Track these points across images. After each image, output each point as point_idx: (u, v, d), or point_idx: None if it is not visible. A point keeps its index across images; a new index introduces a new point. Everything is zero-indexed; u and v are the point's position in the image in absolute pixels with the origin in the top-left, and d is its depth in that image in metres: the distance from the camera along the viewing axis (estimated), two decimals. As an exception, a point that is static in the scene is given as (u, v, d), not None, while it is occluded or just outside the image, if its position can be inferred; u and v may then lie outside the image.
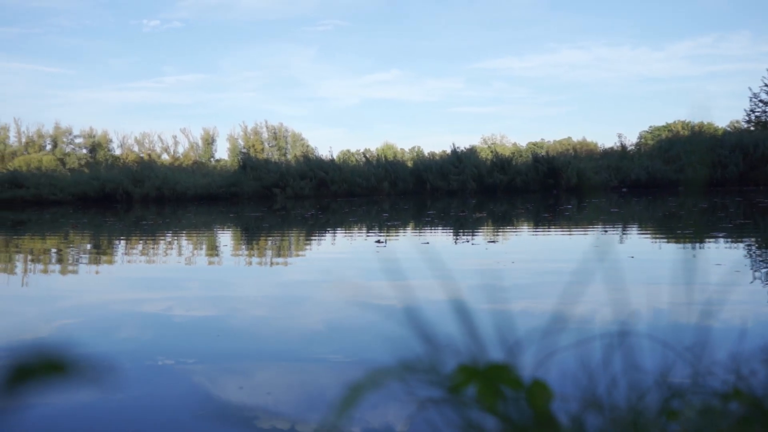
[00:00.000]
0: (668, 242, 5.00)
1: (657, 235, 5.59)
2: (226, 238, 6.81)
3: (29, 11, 52.10)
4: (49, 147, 35.30)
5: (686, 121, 34.27)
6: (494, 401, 0.38)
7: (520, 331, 0.47)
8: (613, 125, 66.05)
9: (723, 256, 3.76)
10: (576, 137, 36.93)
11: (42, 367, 0.23)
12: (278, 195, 18.64)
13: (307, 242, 6.06)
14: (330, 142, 41.93)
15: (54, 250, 5.80)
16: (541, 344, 0.51)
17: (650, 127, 36.58)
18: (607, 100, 59.33)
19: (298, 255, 4.99)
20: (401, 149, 41.00)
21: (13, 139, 35.00)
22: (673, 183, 17.33)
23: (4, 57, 52.64)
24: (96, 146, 36.10)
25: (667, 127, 34.51)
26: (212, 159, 34.57)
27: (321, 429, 0.36)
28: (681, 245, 4.66)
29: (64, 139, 35.87)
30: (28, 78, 52.63)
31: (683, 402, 0.52)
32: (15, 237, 7.55)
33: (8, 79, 52.13)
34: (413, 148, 43.11)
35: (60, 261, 4.90)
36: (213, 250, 5.51)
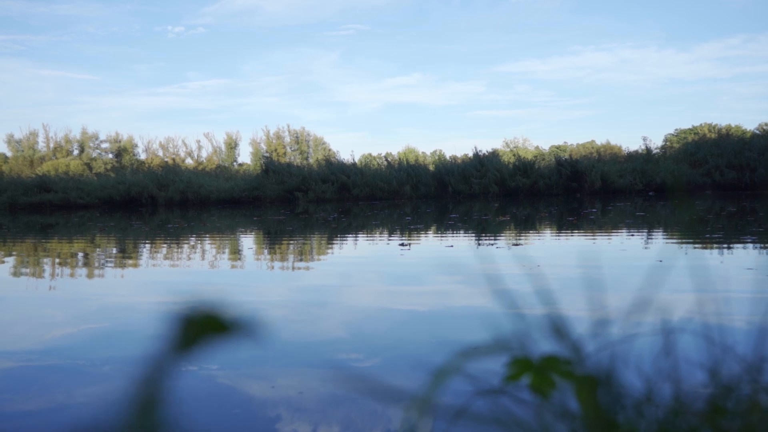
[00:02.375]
0: (697, 246, 4.92)
1: (685, 240, 5.50)
2: (251, 242, 6.87)
3: (58, 19, 53.20)
4: (76, 152, 35.93)
5: (713, 124, 33.73)
6: (547, 392, 0.38)
7: (566, 328, 0.47)
8: (638, 128, 65.14)
9: (754, 261, 3.69)
10: (600, 140, 36.50)
11: (210, 325, 0.24)
12: (300, 198, 18.74)
13: (333, 245, 6.08)
14: (352, 146, 42.07)
15: (84, 254, 5.90)
16: (590, 339, 0.51)
17: (676, 130, 36.04)
18: (631, 102, 58.59)
19: (323, 258, 5.01)
20: (423, 153, 40.96)
21: (41, 145, 35.70)
22: (700, 187, 17.05)
23: (34, 64, 53.81)
24: (122, 151, 36.65)
25: (693, 130, 33.98)
26: (235, 163, 34.88)
27: (416, 399, 0.36)
28: (710, 249, 4.58)
29: (91, 144, 36.47)
30: (57, 84, 53.72)
31: (732, 398, 0.51)
32: (45, 240, 7.70)
33: (38, 85, 53.29)
34: (435, 151, 43.03)
35: (90, 264, 4.98)
36: (239, 253, 5.56)
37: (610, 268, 3.65)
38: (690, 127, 35.56)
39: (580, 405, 0.44)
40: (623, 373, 0.50)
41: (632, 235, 5.75)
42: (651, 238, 5.51)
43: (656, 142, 29.58)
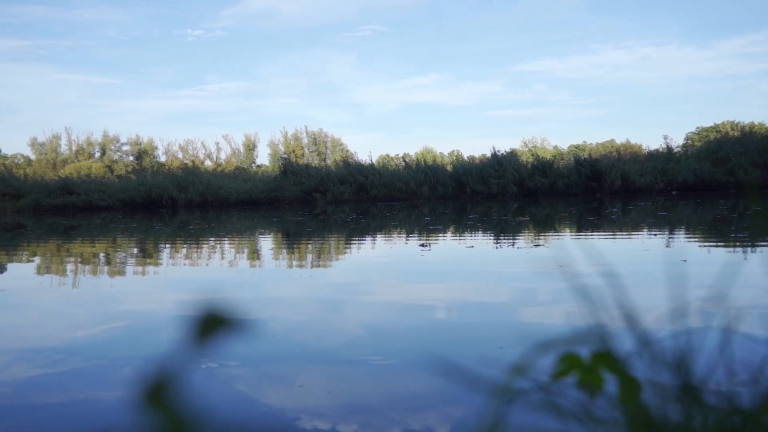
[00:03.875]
0: (721, 246, 4.85)
1: (709, 239, 5.43)
2: (273, 242, 6.91)
3: (80, 24, 53.95)
4: (97, 154, 36.42)
5: (736, 122, 33.21)
6: (595, 389, 0.38)
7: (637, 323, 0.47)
8: (659, 127, 64.29)
9: (781, 260, 3.63)
10: (619, 139, 36.11)
11: (216, 321, 0.26)
12: (318, 199, 18.81)
13: (352, 246, 6.10)
14: (369, 146, 42.06)
15: (109, 255, 5.98)
16: (631, 337, 0.51)
17: (697, 128, 35.55)
18: (651, 101, 57.87)
19: (345, 259, 5.03)
20: (440, 153, 40.88)
21: (64, 148, 36.25)
22: (723, 185, 16.80)
23: (57, 69, 54.64)
24: (142, 153, 37.08)
25: (715, 128, 33.49)
26: (254, 165, 35.09)
27: (500, 386, 0.37)
28: (735, 249, 4.51)
29: (112, 147, 36.95)
30: (79, 88, 54.49)
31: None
32: (69, 242, 7.82)
33: (60, 89, 54.09)
34: (452, 152, 42.92)
35: (114, 265, 5.05)
36: (261, 253, 5.60)
37: (638, 267, 3.62)
38: (712, 125, 35.04)
39: (622, 403, 0.44)
40: (666, 371, 0.50)
41: (654, 235, 5.69)
42: (676, 237, 5.44)
43: (677, 141, 29.21)
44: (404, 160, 22.79)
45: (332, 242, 6.57)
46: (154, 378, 0.25)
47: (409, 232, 7.30)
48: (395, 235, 7.02)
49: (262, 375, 1.83)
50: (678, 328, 0.53)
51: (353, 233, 7.58)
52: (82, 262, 5.22)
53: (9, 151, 44.20)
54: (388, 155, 37.65)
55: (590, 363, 0.38)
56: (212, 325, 0.24)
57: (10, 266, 5.15)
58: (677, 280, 2.74)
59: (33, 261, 5.49)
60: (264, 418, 1.49)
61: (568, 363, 0.38)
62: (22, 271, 4.76)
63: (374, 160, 22.36)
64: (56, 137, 36.16)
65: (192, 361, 0.24)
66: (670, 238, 5.45)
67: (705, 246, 4.80)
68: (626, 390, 0.44)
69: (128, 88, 54.86)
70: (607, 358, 0.39)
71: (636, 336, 0.44)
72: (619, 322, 0.50)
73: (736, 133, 21.65)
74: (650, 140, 70.59)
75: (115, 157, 36.76)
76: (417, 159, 22.97)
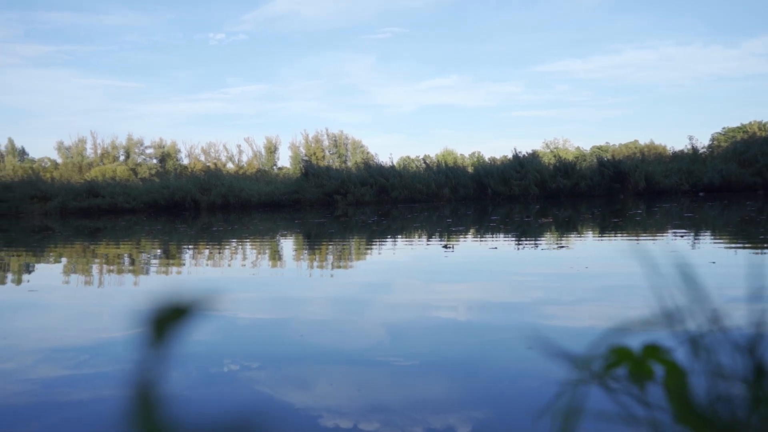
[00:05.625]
0: (750, 248, 4.76)
1: (737, 241, 5.34)
2: (295, 244, 6.96)
3: (104, 30, 54.93)
4: (122, 158, 37.01)
5: (763, 122, 32.60)
6: (645, 382, 0.38)
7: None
8: (683, 127, 63.35)
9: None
10: (643, 140, 35.67)
11: (173, 313, 0.25)
12: (339, 201, 18.87)
13: (376, 248, 6.11)
14: (390, 148, 42.10)
15: (139, 256, 6.07)
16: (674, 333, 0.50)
17: (723, 128, 34.95)
18: (676, 101, 57.08)
19: (367, 260, 5.04)
20: (461, 155, 40.76)
21: (89, 151, 36.91)
22: (750, 187, 16.50)
23: (82, 74, 55.66)
24: (165, 156, 37.58)
25: (742, 128, 32.89)
26: (275, 167, 35.35)
27: (581, 358, 0.37)
28: (764, 251, 4.43)
29: (136, 150, 37.52)
30: (104, 92, 55.44)
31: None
32: (95, 244, 7.95)
33: (86, 93, 55.11)
34: (473, 153, 42.77)
35: (141, 266, 5.12)
36: (284, 255, 5.63)
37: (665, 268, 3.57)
38: (739, 125, 34.43)
39: (668, 395, 0.44)
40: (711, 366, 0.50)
41: (681, 236, 5.60)
42: (703, 239, 5.36)
43: (703, 142, 28.73)
44: (425, 162, 22.77)
45: (355, 244, 6.59)
46: (135, 393, 0.25)
47: (432, 234, 7.29)
48: (418, 237, 7.01)
49: (283, 375, 1.84)
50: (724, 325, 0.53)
51: (375, 235, 7.59)
52: (107, 264, 5.30)
53: (36, 155, 45.14)
54: (408, 157, 37.63)
55: (641, 354, 0.38)
56: (168, 319, 0.24)
57: (39, 267, 5.26)
58: (709, 282, 2.70)
59: (61, 262, 5.59)
60: (286, 417, 1.50)
61: (619, 355, 0.38)
62: (51, 272, 4.85)
63: (395, 162, 22.41)
64: (82, 141, 36.83)
65: (158, 361, 0.24)
66: (695, 239, 5.37)
67: (733, 248, 4.72)
68: (671, 379, 0.44)
69: (151, 91, 55.68)
70: (660, 349, 0.39)
71: (694, 327, 0.43)
72: (665, 319, 0.49)
73: (763, 133, 21.25)
74: (675, 141, 69.68)
75: (139, 160, 37.31)
76: (438, 160, 22.94)
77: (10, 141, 40.30)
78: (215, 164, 33.32)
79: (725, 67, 56.57)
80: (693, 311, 0.41)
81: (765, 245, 4.72)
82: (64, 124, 56.55)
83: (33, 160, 39.66)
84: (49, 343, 2.40)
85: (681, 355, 0.45)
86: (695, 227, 6.71)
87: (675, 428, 0.41)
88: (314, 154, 34.16)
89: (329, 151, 35.37)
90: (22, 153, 40.92)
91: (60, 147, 37.27)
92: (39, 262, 5.73)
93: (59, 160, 37.33)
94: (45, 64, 53.82)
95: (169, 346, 0.24)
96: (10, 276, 4.73)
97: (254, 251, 6.05)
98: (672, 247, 4.74)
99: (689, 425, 0.43)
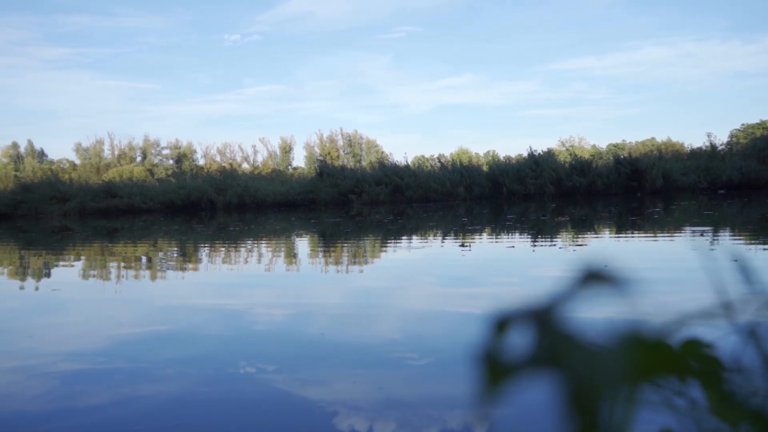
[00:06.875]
0: (772, 245, 4.69)
1: (759, 239, 5.26)
2: (312, 244, 6.97)
3: (121, 32, 55.46)
4: (139, 159, 37.37)
5: (783, 118, 32.07)
6: (683, 377, 0.37)
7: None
8: (701, 124, 62.53)
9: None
10: (660, 138, 35.29)
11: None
12: (354, 201, 18.89)
13: (391, 247, 6.11)
14: (404, 147, 41.92)
15: (155, 256, 6.12)
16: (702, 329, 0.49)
17: (743, 125, 34.48)
18: (694, 97, 56.37)
19: (384, 259, 5.04)
20: (476, 154, 40.61)
21: (107, 152, 37.32)
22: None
23: (100, 75, 56.27)
24: (181, 157, 37.88)
25: (761, 125, 32.41)
26: (290, 167, 35.49)
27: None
28: (787, 248, 4.36)
29: (153, 151, 37.86)
30: (121, 94, 55.99)
31: None
32: (113, 244, 8.03)
33: (103, 95, 55.68)
34: (488, 152, 42.60)
35: (159, 266, 5.16)
36: (301, 254, 5.65)
37: (688, 264, 3.53)
38: (758, 121, 33.92)
39: (703, 390, 0.43)
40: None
41: (701, 234, 5.54)
42: (724, 236, 5.29)
43: (721, 138, 28.37)
44: (439, 161, 22.72)
45: (371, 243, 6.59)
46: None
47: (448, 233, 7.27)
48: (433, 236, 7.00)
49: (304, 374, 1.85)
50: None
51: (391, 234, 7.58)
52: (125, 264, 5.35)
53: (55, 156, 45.69)
54: (423, 156, 37.56)
55: (681, 350, 0.38)
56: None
57: (59, 267, 5.32)
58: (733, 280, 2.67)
59: (80, 262, 5.66)
60: (303, 414, 1.51)
61: (658, 351, 0.37)
62: (71, 272, 4.91)
63: (409, 161, 22.35)
64: (99, 142, 37.24)
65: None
66: (715, 237, 5.30)
67: (755, 246, 4.65)
68: (705, 374, 0.43)
69: (168, 93, 56.12)
70: (699, 344, 0.38)
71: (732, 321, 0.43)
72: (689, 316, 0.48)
73: (783, 130, 20.92)
74: (692, 138, 68.87)
75: (156, 160, 37.65)
76: (452, 159, 22.87)
77: (30, 143, 40.89)
78: (231, 164, 33.51)
79: (744, 62, 55.76)
80: (741, 304, 0.40)
81: (787, 243, 4.65)
82: (82, 126, 57.26)
83: (52, 162, 40.18)
84: (72, 341, 2.42)
85: (724, 349, 0.44)
86: (715, 225, 6.62)
87: (715, 421, 0.41)
88: (329, 153, 34.24)
89: (344, 151, 35.43)
90: (41, 154, 41.47)
91: (78, 148, 37.72)
92: (59, 261, 5.80)
93: (77, 162, 37.77)
94: (63, 67, 54.50)
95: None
96: (33, 275, 4.80)
97: (271, 251, 6.07)
98: (693, 245, 4.68)
99: (729, 420, 0.42)
